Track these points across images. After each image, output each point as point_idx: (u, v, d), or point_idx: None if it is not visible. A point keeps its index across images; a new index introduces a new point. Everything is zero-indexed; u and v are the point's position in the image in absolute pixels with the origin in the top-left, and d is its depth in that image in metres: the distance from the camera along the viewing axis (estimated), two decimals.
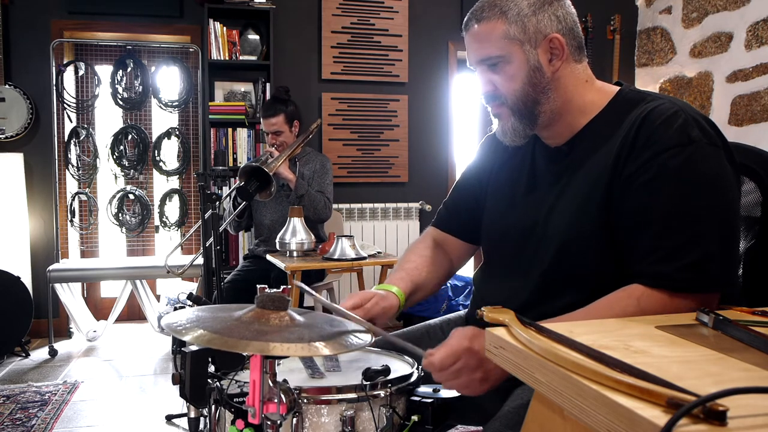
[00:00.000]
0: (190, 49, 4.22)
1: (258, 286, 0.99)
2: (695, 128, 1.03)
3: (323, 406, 1.04)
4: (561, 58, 1.14)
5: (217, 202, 2.42)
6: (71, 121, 4.15)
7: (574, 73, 1.16)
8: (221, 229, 3.00)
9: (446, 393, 1.10)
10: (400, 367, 1.19)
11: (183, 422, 2.58)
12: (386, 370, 1.08)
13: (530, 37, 1.12)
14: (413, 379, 1.13)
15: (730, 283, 1.03)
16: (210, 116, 4.05)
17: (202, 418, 1.13)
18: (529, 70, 1.13)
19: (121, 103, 4.19)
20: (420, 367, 1.19)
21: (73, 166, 4.11)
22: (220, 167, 2.52)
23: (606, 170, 1.09)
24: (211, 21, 4.00)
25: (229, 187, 3.59)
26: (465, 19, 1.19)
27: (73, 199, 4.12)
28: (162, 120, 4.35)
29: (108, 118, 4.30)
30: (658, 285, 1.00)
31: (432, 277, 1.38)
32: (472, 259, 1.52)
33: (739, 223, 1.05)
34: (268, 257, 2.98)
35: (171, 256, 3.03)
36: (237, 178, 2.93)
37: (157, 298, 4.09)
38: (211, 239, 2.42)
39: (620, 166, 1.07)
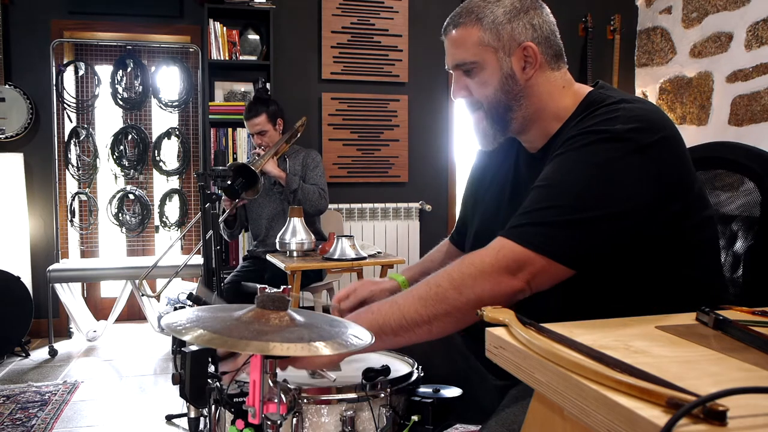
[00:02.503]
0: (190, 49, 4.22)
1: (258, 286, 0.99)
2: (625, 124, 1.01)
3: (323, 406, 1.04)
4: (534, 66, 1.15)
5: (217, 203, 2.42)
6: (71, 121, 4.15)
7: (550, 81, 1.17)
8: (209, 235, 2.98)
9: (446, 393, 1.10)
10: (400, 367, 1.19)
11: (183, 422, 2.58)
12: (386, 370, 1.08)
13: (504, 44, 1.13)
14: (413, 379, 1.13)
15: (571, 260, 1.00)
16: (210, 116, 4.05)
17: (202, 418, 1.13)
18: (501, 77, 1.14)
19: (121, 103, 4.19)
20: (420, 367, 1.19)
21: (73, 166, 4.12)
22: (220, 167, 2.52)
23: None
24: (211, 21, 4.00)
25: None
26: (444, 23, 1.21)
27: (73, 199, 4.12)
28: (162, 120, 4.35)
29: (108, 118, 4.30)
30: (510, 236, 1.02)
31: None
32: None
33: (614, 221, 1.00)
34: (268, 257, 2.98)
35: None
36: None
37: (157, 298, 4.09)
38: (213, 259, 2.41)
39: None
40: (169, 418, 2.64)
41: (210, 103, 4.06)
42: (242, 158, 4.10)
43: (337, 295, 1.34)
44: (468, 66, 1.16)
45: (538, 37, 1.15)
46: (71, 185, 4.18)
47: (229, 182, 2.68)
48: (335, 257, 2.79)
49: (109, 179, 4.25)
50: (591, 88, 1.19)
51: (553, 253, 0.99)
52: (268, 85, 4.09)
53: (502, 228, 1.09)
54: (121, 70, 4.17)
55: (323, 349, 0.89)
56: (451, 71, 1.22)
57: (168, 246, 2.85)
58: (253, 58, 4.17)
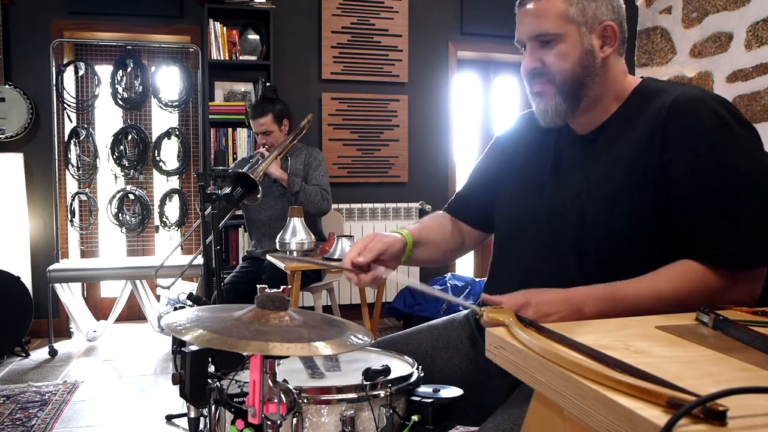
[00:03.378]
0: (190, 49, 4.22)
1: (258, 286, 0.99)
2: (723, 109, 1.09)
3: (323, 406, 1.04)
4: (612, 45, 1.18)
5: (217, 202, 2.42)
6: (71, 121, 4.15)
7: (618, 64, 1.21)
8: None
9: (446, 393, 1.10)
10: (400, 367, 1.19)
11: (183, 422, 2.58)
12: (386, 370, 1.08)
13: (588, 20, 1.16)
14: (413, 379, 1.13)
15: None
16: (210, 116, 4.05)
17: (202, 418, 1.13)
18: (582, 51, 1.16)
19: (121, 103, 4.19)
20: (420, 367, 1.19)
21: (73, 166, 4.11)
22: (220, 167, 2.52)
23: (632, 157, 1.12)
24: (211, 21, 4.00)
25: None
26: None
27: (73, 199, 4.12)
28: (162, 120, 4.35)
29: (108, 118, 4.30)
30: (720, 263, 1.04)
31: (441, 239, 1.42)
32: (472, 260, 1.53)
33: None
34: (268, 257, 2.98)
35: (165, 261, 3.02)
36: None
37: (157, 298, 4.09)
38: (213, 259, 2.41)
39: (654, 154, 1.10)
40: (169, 418, 2.64)
41: (210, 103, 4.06)
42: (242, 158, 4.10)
43: (348, 255, 1.22)
44: (549, 37, 1.17)
45: (616, 20, 1.19)
46: (71, 185, 4.18)
47: (228, 190, 2.68)
48: (335, 257, 2.79)
49: (109, 179, 4.25)
50: (639, 78, 1.24)
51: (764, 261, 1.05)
52: (268, 85, 4.09)
53: (547, 208, 1.17)
54: (121, 70, 4.17)
55: (323, 349, 0.89)
56: (520, 44, 1.22)
57: (174, 246, 2.85)
58: (253, 58, 4.17)
